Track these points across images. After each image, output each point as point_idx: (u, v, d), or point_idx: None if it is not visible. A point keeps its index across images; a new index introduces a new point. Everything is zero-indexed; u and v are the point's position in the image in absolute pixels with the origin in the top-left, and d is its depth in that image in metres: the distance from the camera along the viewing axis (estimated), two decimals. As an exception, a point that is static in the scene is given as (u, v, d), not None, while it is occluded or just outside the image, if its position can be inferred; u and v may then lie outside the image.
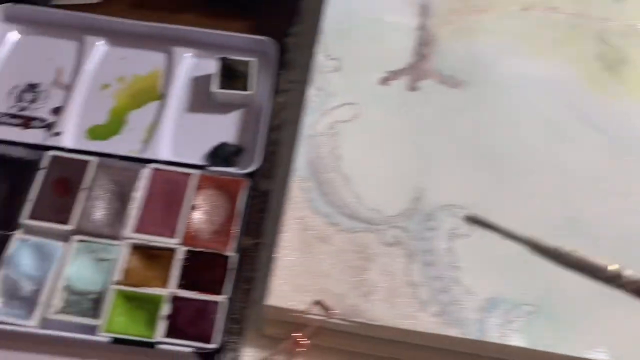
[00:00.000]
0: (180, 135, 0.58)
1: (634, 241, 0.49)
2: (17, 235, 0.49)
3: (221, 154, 0.57)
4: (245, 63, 0.60)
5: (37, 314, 0.46)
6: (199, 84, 0.61)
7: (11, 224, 0.50)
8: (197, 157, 0.57)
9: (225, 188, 0.53)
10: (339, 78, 0.56)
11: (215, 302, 0.48)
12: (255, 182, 0.55)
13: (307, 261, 0.48)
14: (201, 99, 0.60)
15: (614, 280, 0.32)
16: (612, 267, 0.32)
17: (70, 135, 0.57)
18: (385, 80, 0.57)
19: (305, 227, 0.50)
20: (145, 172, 0.53)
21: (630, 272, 0.31)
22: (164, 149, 0.57)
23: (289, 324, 0.48)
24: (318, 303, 0.47)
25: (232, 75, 0.60)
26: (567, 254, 0.34)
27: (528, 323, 0.46)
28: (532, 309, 0.47)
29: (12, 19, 0.63)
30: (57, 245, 0.49)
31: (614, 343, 0.45)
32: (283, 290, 0.47)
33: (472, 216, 0.43)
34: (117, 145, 0.57)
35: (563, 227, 0.50)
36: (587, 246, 0.49)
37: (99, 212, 0.51)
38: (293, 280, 0.47)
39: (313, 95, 0.55)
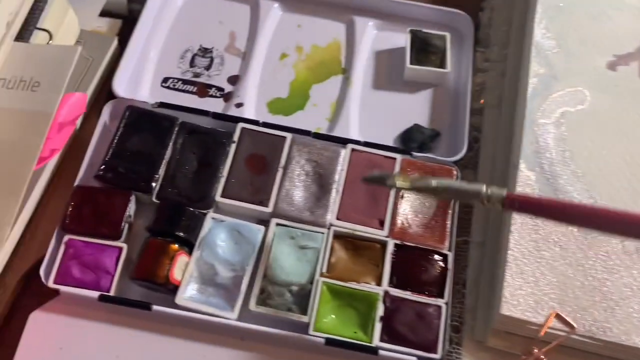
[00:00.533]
0: (368, 115, 0.52)
1: None
2: (212, 215, 0.44)
3: (416, 138, 0.50)
4: (442, 37, 0.54)
5: (237, 305, 0.41)
6: (385, 59, 0.55)
7: (204, 201, 0.45)
8: (387, 140, 0.51)
9: (433, 175, 0.47)
10: (560, 59, 0.49)
11: (438, 306, 0.42)
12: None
13: (541, 267, 0.42)
14: (388, 75, 0.54)
15: (488, 199, 0.35)
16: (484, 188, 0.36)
17: (250, 107, 0.52)
18: (613, 65, 0.50)
19: (536, 227, 0.43)
20: (344, 153, 0.47)
21: (494, 189, 0.36)
22: (352, 129, 0.51)
23: (518, 337, 0.42)
24: (557, 316, 0.41)
25: (425, 50, 0.54)
26: (445, 187, 0.37)
27: None
28: None
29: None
30: (256, 229, 0.44)
31: None
32: (517, 300, 0.41)
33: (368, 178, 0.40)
34: (301, 122, 0.51)
35: None
36: None
37: (298, 195, 0.46)
38: (527, 288, 0.41)
39: (533, 76, 0.48)
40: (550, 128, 0.47)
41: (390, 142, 0.51)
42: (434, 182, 0.37)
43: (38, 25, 0.39)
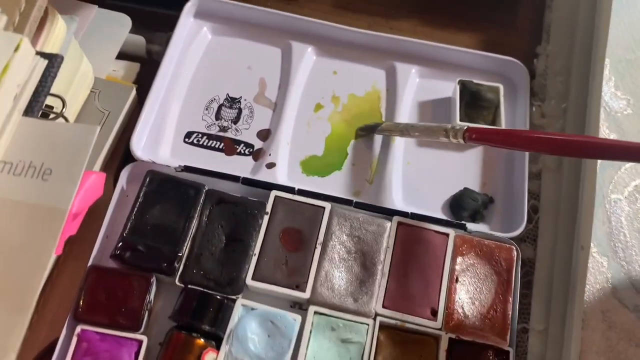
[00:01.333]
0: (412, 177, 0.47)
1: None
2: (242, 301, 0.39)
3: (467, 205, 0.45)
4: (494, 89, 0.48)
5: (272, 410, 0.36)
6: (430, 110, 0.50)
7: (233, 285, 0.39)
8: (434, 206, 0.46)
9: (491, 256, 0.42)
10: (632, 122, 0.44)
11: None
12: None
13: (618, 373, 0.37)
14: (434, 131, 0.49)
15: (452, 134, 0.41)
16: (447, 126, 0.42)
17: (283, 167, 0.46)
18: (690, 130, 0.44)
19: (611, 324, 0.38)
20: (390, 228, 0.42)
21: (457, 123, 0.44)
22: (395, 194, 0.46)
23: None
24: None
25: (476, 103, 0.48)
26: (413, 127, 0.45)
27: None
28: None
29: (205, 16, 0.52)
30: (292, 319, 0.39)
31: None
32: (591, 411, 0.36)
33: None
34: (339, 184, 0.46)
35: None
36: None
37: (339, 277, 0.40)
38: (603, 397, 0.36)
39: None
40: (623, 205, 0.41)
41: (438, 209, 0.46)
42: (407, 125, 0.46)
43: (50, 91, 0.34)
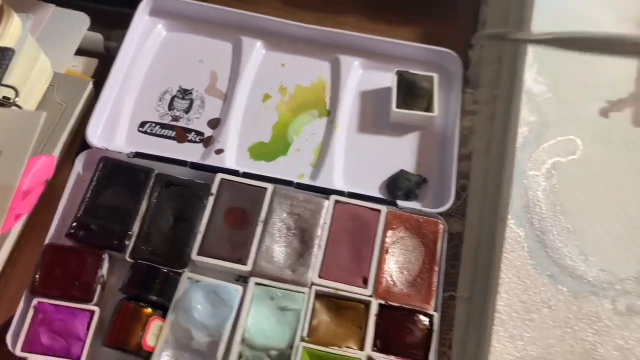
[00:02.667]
0: (353, 160, 0.50)
1: None
2: (187, 275, 0.42)
3: (402, 185, 0.49)
4: (429, 78, 0.52)
5: (215, 372, 0.40)
6: (371, 99, 0.53)
7: (179, 260, 0.43)
8: (372, 186, 0.49)
9: (419, 229, 0.45)
10: (552, 106, 0.48)
11: (423, 372, 0.41)
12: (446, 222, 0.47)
13: (530, 330, 0.41)
14: (373, 118, 0.52)
15: None
16: None
17: (231, 153, 0.50)
18: (605, 112, 0.48)
19: (526, 287, 0.42)
20: (328, 206, 0.46)
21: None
22: (336, 176, 0.49)
23: (506, 403, 0.41)
24: (547, 383, 0.39)
25: (412, 92, 0.52)
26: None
27: None
28: None
29: (159, 13, 0.55)
30: (234, 290, 0.42)
31: None
32: (506, 366, 0.39)
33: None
34: (284, 168, 0.49)
35: None
36: None
37: (279, 251, 0.44)
38: (514, 352, 0.40)
39: (524, 124, 0.47)
40: (540, 180, 0.45)
41: (376, 189, 0.49)
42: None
43: (2, 82, 0.37)
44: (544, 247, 0.43)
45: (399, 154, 0.51)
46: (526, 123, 0.47)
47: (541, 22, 0.50)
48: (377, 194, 0.48)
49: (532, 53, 0.49)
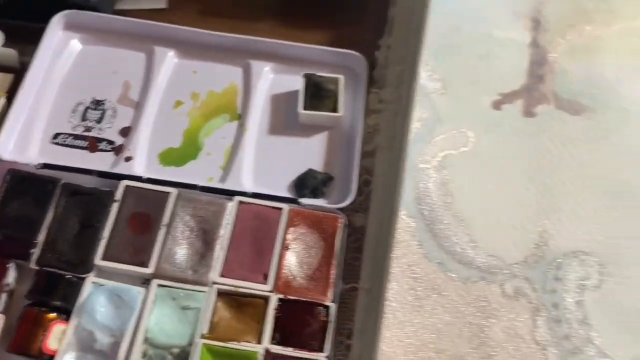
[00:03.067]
0: (262, 161, 0.52)
1: None
2: (91, 279, 0.44)
3: (308, 184, 0.50)
4: (334, 80, 0.54)
5: (116, 372, 0.41)
6: (280, 103, 0.55)
7: (84, 265, 0.44)
8: (281, 186, 0.51)
9: (319, 225, 0.47)
10: (445, 101, 0.50)
11: (316, 362, 0.42)
12: (348, 217, 0.49)
13: (421, 317, 0.42)
14: (283, 120, 0.54)
15: None
16: None
17: (141, 160, 0.51)
18: (497, 104, 0.50)
19: (416, 275, 0.44)
20: (231, 206, 0.47)
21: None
22: (245, 178, 0.51)
23: (399, 388, 0.42)
24: (431, 366, 0.41)
25: (319, 94, 0.54)
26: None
27: (676, 393, 0.40)
28: (684, 378, 0.41)
29: (73, 27, 0.57)
30: (136, 291, 0.43)
31: None
32: (394, 351, 0.41)
33: None
34: (194, 172, 0.51)
35: None
36: None
37: (181, 253, 0.45)
38: (406, 338, 0.42)
39: (417, 120, 0.49)
40: (431, 173, 0.47)
41: (284, 189, 0.51)
42: None
43: None
44: (434, 236, 0.45)
45: (308, 154, 0.53)
46: (419, 119, 0.49)
47: (437, 22, 0.53)
48: (285, 194, 0.50)
49: (428, 50, 0.52)
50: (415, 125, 0.49)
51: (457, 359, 0.41)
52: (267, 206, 0.47)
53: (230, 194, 0.48)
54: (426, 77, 0.51)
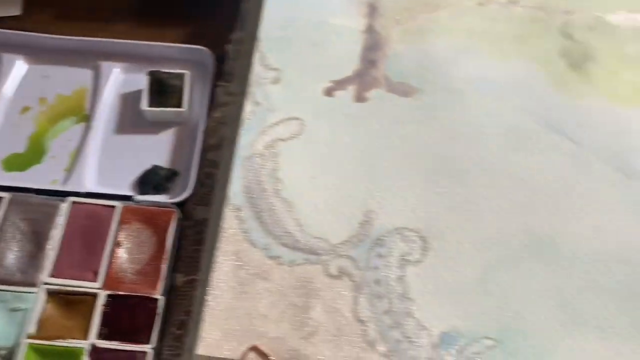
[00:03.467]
0: (107, 161, 0.52)
1: (602, 261, 0.45)
2: None
3: (152, 180, 0.51)
4: (179, 76, 0.55)
5: (-60, 377, 0.41)
6: (128, 102, 0.56)
7: None
8: (125, 184, 0.51)
9: (152, 221, 0.48)
10: (278, 90, 0.51)
11: (143, 353, 0.43)
12: (190, 210, 0.50)
13: (243, 302, 0.43)
14: (130, 119, 0.55)
15: None
16: None
17: (-16, 167, 0.51)
18: (330, 91, 0.51)
19: (241, 263, 0.45)
20: (63, 208, 0.48)
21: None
22: (88, 178, 0.51)
23: (226, 373, 0.43)
24: (254, 349, 0.42)
25: (164, 90, 0.54)
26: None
27: (490, 358, 0.42)
28: (493, 343, 0.42)
29: None
30: (-37, 296, 0.44)
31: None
32: (214, 338, 0.42)
33: None
34: (36, 176, 0.51)
35: (527, 247, 0.45)
36: (552, 266, 0.44)
37: (11, 256, 0.46)
38: (226, 325, 0.43)
39: (249, 110, 0.50)
40: (261, 161, 0.48)
41: (128, 187, 0.51)
42: None
43: None
44: (262, 223, 0.46)
45: (155, 150, 0.53)
46: (252, 109, 0.50)
47: (273, 12, 0.54)
48: (128, 192, 0.51)
49: (264, 41, 0.53)
50: (248, 114, 0.50)
51: (278, 341, 0.42)
52: (100, 205, 0.48)
53: (68, 194, 0.49)
54: (261, 68, 0.52)
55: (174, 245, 0.47)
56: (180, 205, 0.50)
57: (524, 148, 0.49)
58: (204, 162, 0.52)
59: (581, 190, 0.47)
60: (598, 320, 0.43)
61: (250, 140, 0.49)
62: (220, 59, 0.57)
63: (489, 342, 0.42)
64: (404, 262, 0.45)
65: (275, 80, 0.51)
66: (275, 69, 0.52)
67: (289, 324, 0.43)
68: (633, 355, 0.42)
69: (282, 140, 0.49)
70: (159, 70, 0.55)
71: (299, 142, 0.49)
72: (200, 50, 0.57)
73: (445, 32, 0.54)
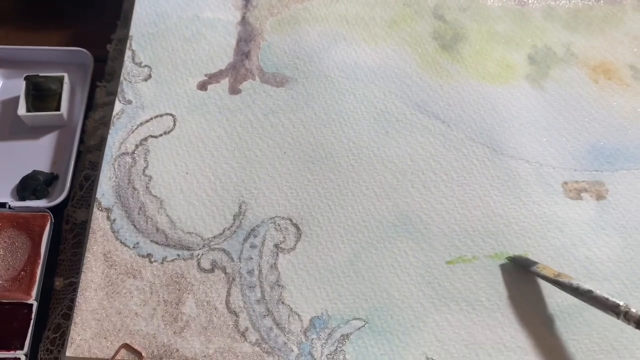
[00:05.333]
0: (-14, 169, 0.52)
1: (469, 235, 0.46)
2: None
3: (31, 186, 0.51)
4: (57, 79, 0.54)
5: None
6: (7, 108, 0.55)
7: None
8: (5, 192, 0.51)
9: (27, 226, 0.48)
10: (150, 87, 0.51)
11: (16, 359, 0.43)
12: (70, 214, 0.50)
13: (114, 302, 0.44)
14: (11, 125, 0.54)
15: (625, 315, 0.40)
16: (622, 304, 0.40)
17: None
18: (203, 85, 0.51)
19: (112, 263, 0.45)
20: None
21: (632, 309, 0.40)
22: (-34, 188, 0.51)
23: (99, 373, 0.43)
24: (125, 347, 0.42)
25: (42, 94, 0.54)
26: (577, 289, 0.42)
27: (359, 338, 0.43)
28: (361, 323, 0.43)
29: None
30: None
31: (445, 349, 0.42)
32: (84, 338, 0.42)
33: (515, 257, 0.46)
34: None
35: (395, 227, 0.46)
36: (420, 244, 0.45)
37: None
38: (97, 325, 0.43)
39: (119, 109, 0.50)
40: (129, 160, 0.48)
41: (8, 194, 0.51)
42: (575, 284, 0.42)
43: None
44: (132, 221, 0.46)
45: (35, 155, 0.53)
46: (121, 107, 0.50)
47: (144, 9, 0.53)
48: (7, 199, 0.50)
49: (135, 39, 0.52)
50: (117, 113, 0.50)
51: (149, 338, 0.43)
52: (-29, 214, 0.48)
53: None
54: (132, 66, 0.52)
55: (50, 250, 0.47)
56: (61, 208, 0.50)
57: (394, 131, 0.50)
58: (84, 164, 0.52)
59: (449, 168, 0.48)
60: (465, 294, 0.44)
61: (120, 139, 0.49)
62: (103, 60, 0.57)
63: (358, 323, 0.43)
64: (277, 250, 0.46)
65: (147, 77, 0.51)
66: (146, 66, 0.52)
67: (161, 320, 0.43)
68: (500, 326, 0.43)
69: (154, 137, 0.49)
70: (36, 75, 0.54)
71: (171, 139, 0.49)
72: (79, 51, 0.56)
73: (319, 20, 0.54)
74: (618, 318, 0.40)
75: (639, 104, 0.52)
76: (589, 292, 0.41)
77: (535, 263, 0.45)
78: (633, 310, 0.39)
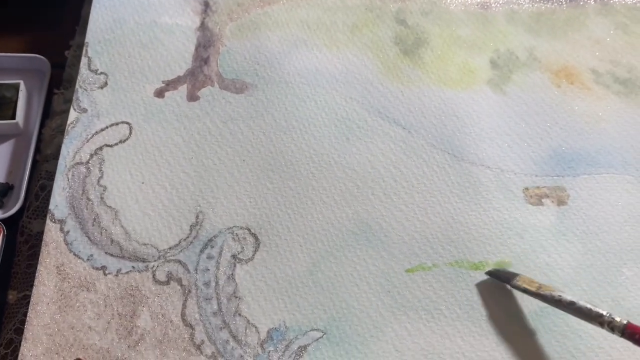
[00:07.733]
0: (-62, 180, 0.51)
1: (429, 242, 0.46)
2: None
3: (-16, 197, 0.50)
4: (13, 87, 0.53)
5: None
6: (-39, 118, 0.54)
7: None
8: (-41, 203, 0.50)
9: (-21, 238, 0.47)
10: (106, 95, 0.50)
11: (-41, 378, 0.42)
12: (25, 225, 0.49)
13: (67, 316, 0.43)
14: (-36, 135, 0.53)
15: (609, 325, 0.39)
16: (606, 313, 0.40)
17: None
18: (160, 92, 0.51)
19: (65, 276, 0.44)
20: None
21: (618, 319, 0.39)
22: None
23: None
24: (78, 362, 0.42)
25: (-4, 103, 0.53)
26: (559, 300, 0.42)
27: (316, 349, 0.42)
28: (319, 334, 0.43)
29: None
30: None
31: (404, 359, 0.42)
32: (36, 355, 0.41)
33: (492, 271, 0.45)
34: None
35: (355, 235, 0.46)
36: (380, 252, 0.45)
37: None
38: (49, 340, 0.42)
39: (74, 118, 0.49)
40: (84, 169, 0.47)
41: (-38, 206, 0.50)
42: (557, 295, 0.41)
43: None
44: (86, 233, 0.45)
45: (-10, 165, 0.52)
46: (75, 116, 0.49)
47: (100, 16, 0.52)
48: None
49: (91, 46, 0.51)
50: (72, 122, 0.49)
51: (103, 352, 0.42)
52: None
53: None
54: (87, 73, 0.51)
55: (3, 262, 0.46)
56: (16, 219, 0.49)
57: (354, 138, 0.49)
58: (40, 173, 0.51)
59: (410, 175, 0.48)
60: (425, 302, 0.44)
61: (74, 148, 0.48)
62: (61, 66, 0.56)
63: (316, 334, 0.43)
64: (234, 261, 0.45)
65: (103, 85, 0.50)
66: (102, 73, 0.51)
67: (115, 334, 0.42)
68: (459, 336, 0.43)
69: (109, 146, 0.48)
70: (-10, 82, 0.53)
71: (127, 147, 0.48)
72: (36, 58, 0.55)
73: (279, 25, 0.54)
74: (603, 327, 0.40)
75: (600, 109, 0.52)
76: (572, 303, 0.41)
77: (515, 275, 0.44)
78: (617, 319, 0.39)
